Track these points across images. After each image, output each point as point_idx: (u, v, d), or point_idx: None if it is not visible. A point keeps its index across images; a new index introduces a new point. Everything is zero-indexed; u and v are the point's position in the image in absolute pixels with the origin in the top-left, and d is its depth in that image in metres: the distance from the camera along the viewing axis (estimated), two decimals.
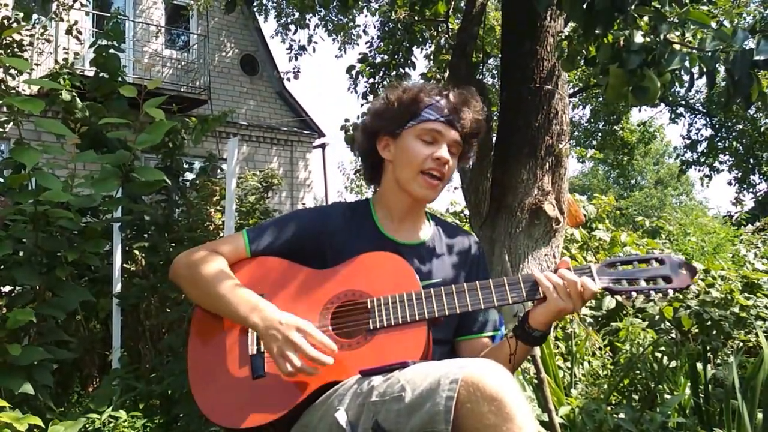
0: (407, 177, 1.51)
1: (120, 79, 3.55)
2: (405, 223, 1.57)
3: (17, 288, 2.60)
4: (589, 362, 2.98)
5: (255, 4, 8.83)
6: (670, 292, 1.35)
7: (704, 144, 15.00)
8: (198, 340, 1.47)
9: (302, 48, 8.92)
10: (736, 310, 3.19)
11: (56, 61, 5.45)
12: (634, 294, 1.36)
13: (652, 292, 1.35)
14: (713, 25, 2.03)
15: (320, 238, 1.51)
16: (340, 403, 1.23)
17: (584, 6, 2.08)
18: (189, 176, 4.24)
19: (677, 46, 2.09)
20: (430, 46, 6.42)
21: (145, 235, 3.45)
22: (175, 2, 11.37)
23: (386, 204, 1.57)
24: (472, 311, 1.39)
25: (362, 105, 6.19)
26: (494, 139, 3.64)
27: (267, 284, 1.46)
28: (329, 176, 13.61)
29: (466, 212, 5.49)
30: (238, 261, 1.50)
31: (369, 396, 1.19)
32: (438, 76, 5.59)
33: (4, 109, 3.59)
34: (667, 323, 3.29)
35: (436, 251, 1.57)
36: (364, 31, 9.66)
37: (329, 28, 9.59)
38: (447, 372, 1.11)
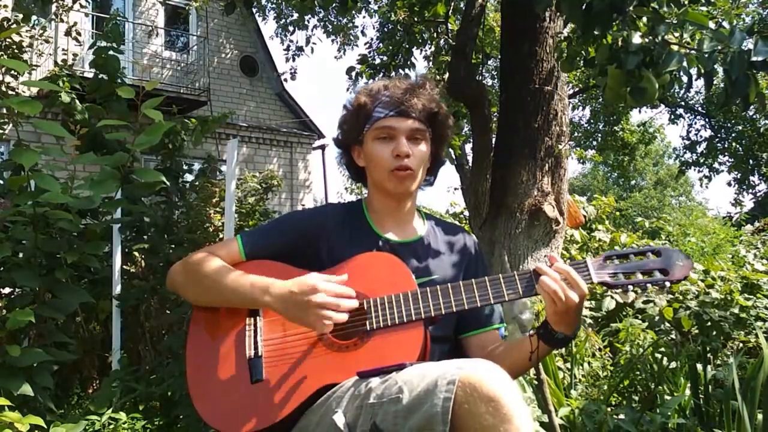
0: (380, 179, 1.52)
1: (119, 81, 3.55)
2: (397, 222, 1.57)
3: (17, 290, 2.60)
4: (589, 363, 2.98)
5: (254, 5, 8.83)
6: (668, 284, 1.33)
7: (703, 145, 14.98)
8: (196, 345, 1.47)
9: (300, 49, 8.92)
10: (736, 310, 3.18)
11: (56, 63, 5.45)
12: (631, 288, 1.33)
13: (649, 285, 1.33)
14: (711, 26, 2.03)
15: (315, 239, 1.51)
16: (338, 406, 1.23)
17: (583, 7, 2.08)
18: (189, 178, 4.24)
19: (675, 47, 2.09)
20: (429, 47, 6.43)
21: (145, 237, 3.44)
22: (173, 3, 11.37)
23: (374, 206, 1.58)
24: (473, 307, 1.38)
25: None
26: (494, 140, 3.65)
27: None
28: (329, 177, 13.65)
29: (466, 213, 5.49)
30: (234, 265, 1.50)
31: (367, 398, 1.19)
32: (438, 78, 5.60)
33: (4, 111, 3.59)
34: (667, 324, 3.28)
35: (431, 248, 1.57)
36: (362, 32, 9.68)
37: (328, 29, 9.60)
38: (444, 373, 1.11)
